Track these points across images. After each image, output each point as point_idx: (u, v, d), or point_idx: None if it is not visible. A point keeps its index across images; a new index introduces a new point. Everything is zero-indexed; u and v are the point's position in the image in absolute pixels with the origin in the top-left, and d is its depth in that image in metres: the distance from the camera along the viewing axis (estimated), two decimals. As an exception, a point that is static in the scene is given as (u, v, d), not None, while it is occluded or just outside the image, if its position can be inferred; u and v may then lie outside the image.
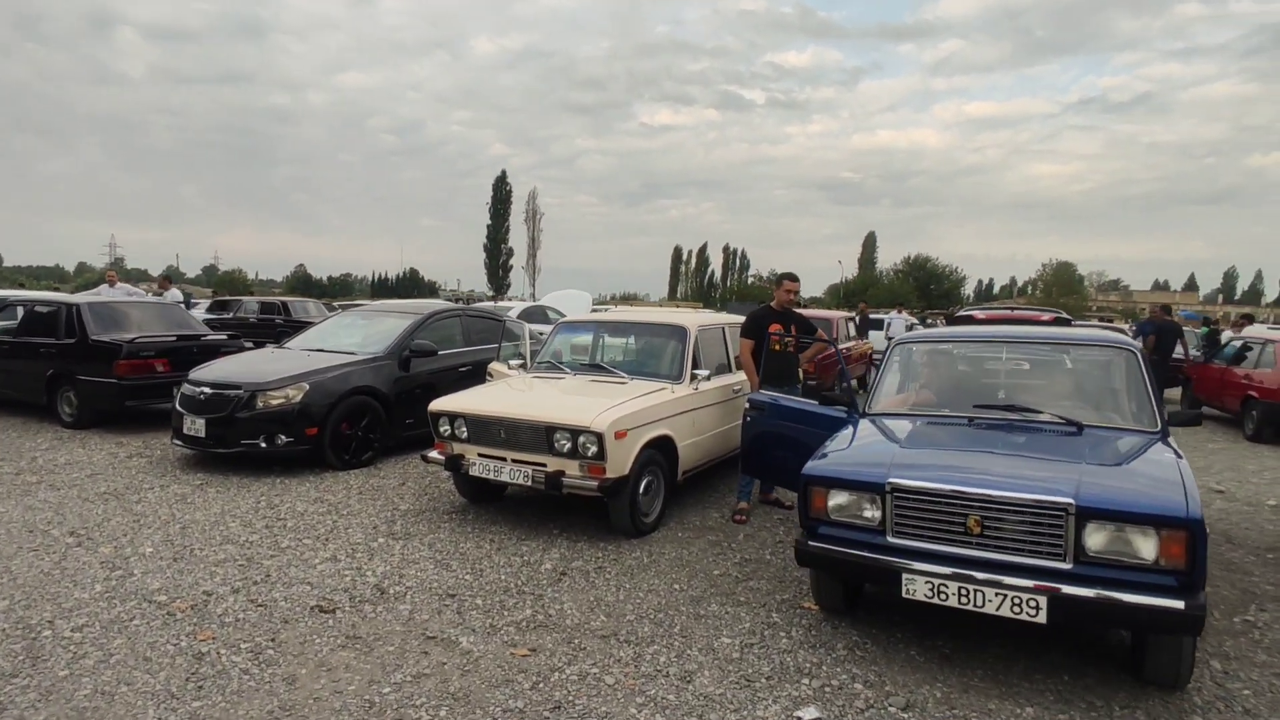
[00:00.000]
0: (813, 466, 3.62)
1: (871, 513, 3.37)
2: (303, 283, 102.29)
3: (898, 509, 3.29)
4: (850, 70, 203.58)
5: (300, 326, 19.35)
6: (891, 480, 3.30)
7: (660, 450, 5.27)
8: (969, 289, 79.37)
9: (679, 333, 5.98)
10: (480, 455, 5.21)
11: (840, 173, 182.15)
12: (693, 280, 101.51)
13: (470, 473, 5.21)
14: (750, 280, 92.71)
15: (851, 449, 3.95)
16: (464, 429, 5.27)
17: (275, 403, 6.41)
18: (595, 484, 4.76)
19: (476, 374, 8.09)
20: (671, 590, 4.24)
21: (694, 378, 5.67)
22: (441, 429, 5.39)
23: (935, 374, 4.82)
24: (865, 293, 54.40)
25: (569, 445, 4.84)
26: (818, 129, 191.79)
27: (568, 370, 6.05)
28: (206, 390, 6.50)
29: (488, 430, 5.16)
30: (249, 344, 9.23)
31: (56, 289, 31.86)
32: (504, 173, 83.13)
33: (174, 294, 12.36)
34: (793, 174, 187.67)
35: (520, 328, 7.92)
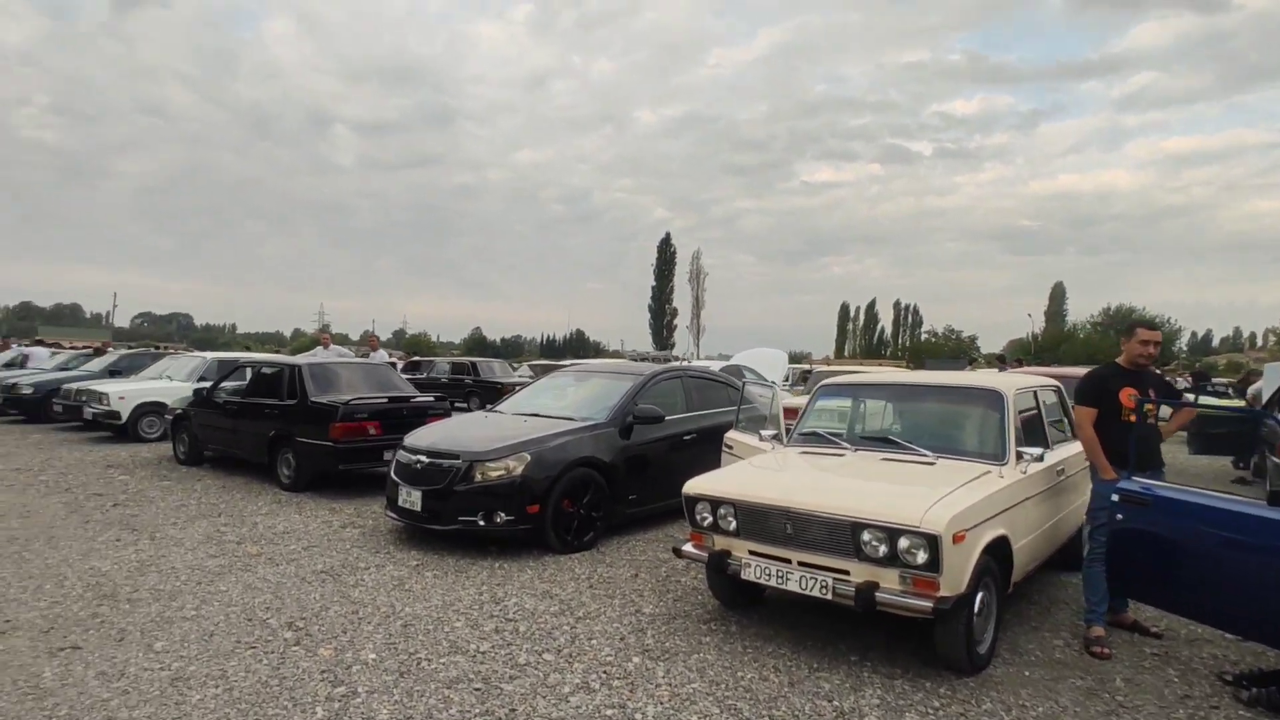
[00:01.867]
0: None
1: None
2: (478, 344, 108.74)
3: None
4: (1025, 114, 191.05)
5: (488, 386, 19.67)
6: None
7: (993, 555, 3.92)
8: (1182, 341, 69.97)
9: (993, 398, 4.64)
10: (754, 554, 4.11)
11: (1017, 221, 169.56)
12: (861, 338, 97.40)
13: (742, 576, 4.10)
14: (924, 336, 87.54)
15: None
16: (732, 519, 4.20)
17: (494, 475, 5.69)
18: (929, 604, 3.49)
19: (704, 443, 7.10)
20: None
21: (1021, 457, 4.29)
22: (701, 517, 4.35)
23: None
24: (1058, 348, 49.11)
25: (884, 549, 3.62)
26: (990, 177, 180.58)
27: (845, 444, 4.85)
28: (423, 459, 5.91)
29: (766, 523, 4.05)
30: (454, 406, 8.84)
31: (277, 351, 35.13)
32: (668, 235, 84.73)
33: (380, 355, 12.52)
34: (964, 225, 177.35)
35: (751, 392, 6.87)
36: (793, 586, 3.88)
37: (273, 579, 5.09)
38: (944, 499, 3.66)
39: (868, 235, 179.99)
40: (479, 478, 5.68)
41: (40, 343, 20.86)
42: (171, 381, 12.49)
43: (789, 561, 3.96)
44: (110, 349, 19.23)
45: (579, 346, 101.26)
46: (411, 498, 5.84)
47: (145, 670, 3.67)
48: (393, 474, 6.16)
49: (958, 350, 71.65)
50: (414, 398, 8.48)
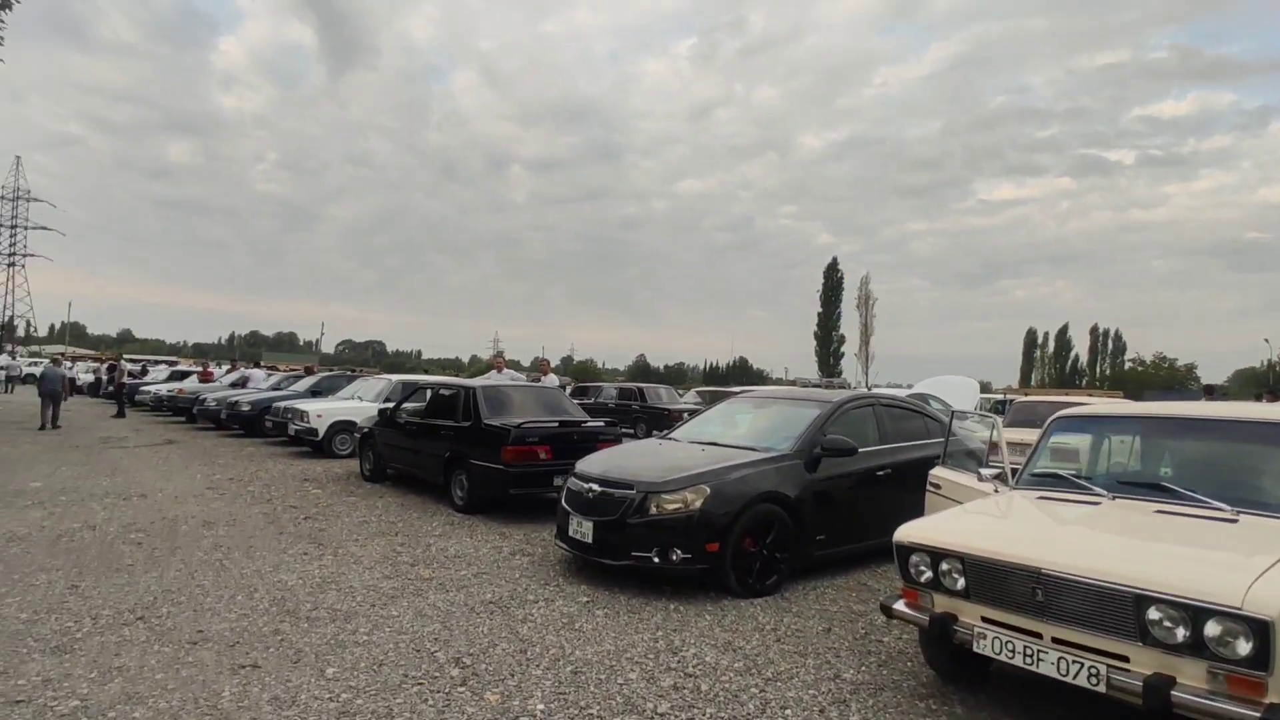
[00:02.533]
0: None
1: None
2: (642, 371, 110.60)
3: None
4: (1252, 112, 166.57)
5: (655, 412, 19.50)
6: None
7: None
8: None
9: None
10: (989, 622, 3.33)
11: (1243, 234, 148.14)
12: (1051, 366, 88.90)
13: (975, 648, 3.34)
14: (1127, 364, 78.51)
15: None
16: (959, 576, 3.46)
17: (671, 508, 5.23)
18: (1255, 715, 2.59)
19: (899, 480, 6.31)
20: None
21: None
22: (917, 571, 3.64)
23: None
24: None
25: (1183, 632, 2.75)
26: (1207, 185, 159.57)
27: (1098, 490, 3.94)
28: (595, 488, 5.57)
29: (1006, 585, 3.27)
30: (622, 431, 8.56)
31: (456, 375, 37.29)
32: (835, 260, 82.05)
33: (552, 379, 12.62)
34: (1174, 240, 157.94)
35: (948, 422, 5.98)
36: (1047, 670, 3.07)
37: (442, 606, 4.91)
38: (1272, 571, 2.74)
39: (1055, 255, 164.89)
40: (654, 510, 5.25)
41: (258, 365, 23.24)
42: (361, 402, 13.27)
43: (1039, 636, 3.16)
44: (315, 371, 21.06)
45: (742, 374, 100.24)
46: (583, 528, 5.51)
47: (315, 699, 3.51)
48: (563, 502, 5.88)
49: (1171, 380, 63.40)
50: (585, 422, 8.28)
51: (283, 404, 13.85)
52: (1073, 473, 4.27)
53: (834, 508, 5.90)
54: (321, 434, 12.37)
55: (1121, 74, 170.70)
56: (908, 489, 6.45)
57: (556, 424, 7.90)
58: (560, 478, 7.64)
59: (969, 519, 3.91)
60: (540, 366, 13.34)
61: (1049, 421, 4.69)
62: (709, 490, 5.25)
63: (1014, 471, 4.57)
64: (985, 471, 4.64)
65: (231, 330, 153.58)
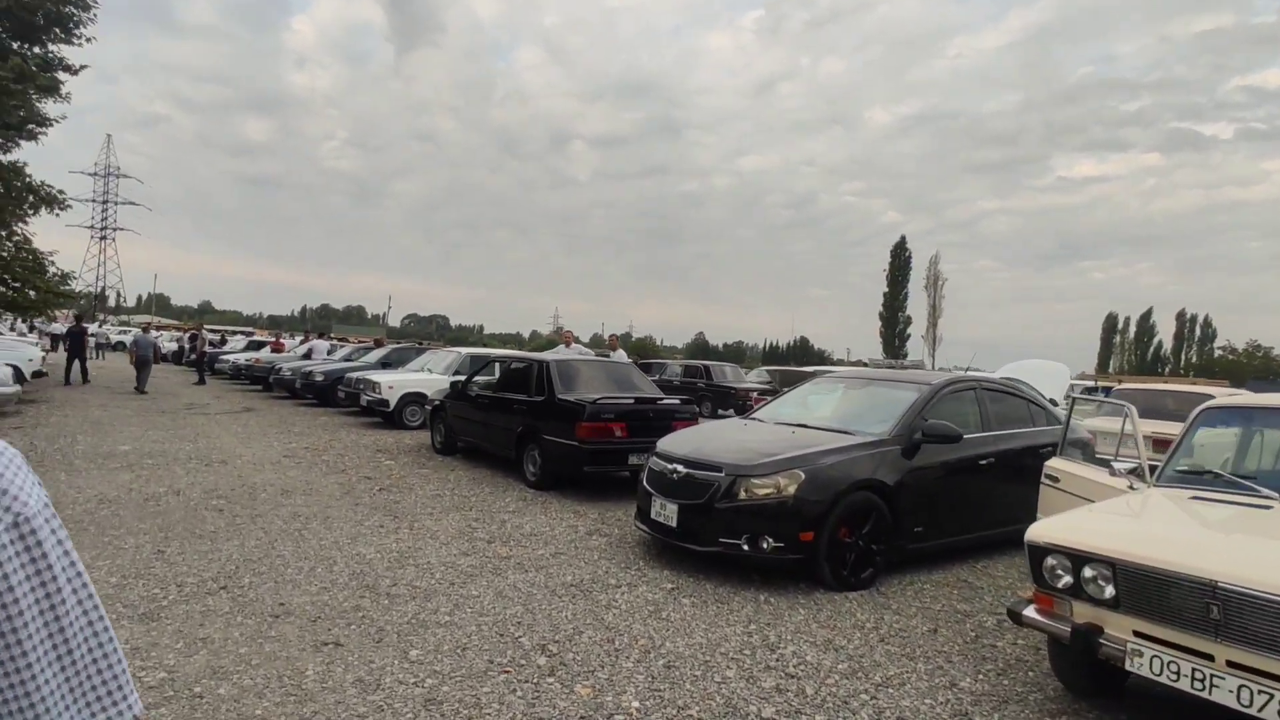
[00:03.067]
0: None
1: None
2: (701, 349, 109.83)
3: None
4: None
5: (720, 390, 19.14)
6: None
7: None
8: None
9: None
10: (1143, 637, 2.94)
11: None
12: (1131, 352, 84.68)
13: (1127, 666, 2.95)
14: (1217, 352, 74.14)
15: None
16: (1107, 584, 3.07)
17: (762, 493, 4.93)
18: None
19: (1002, 469, 5.88)
20: None
21: None
22: (1054, 575, 3.26)
23: None
24: None
25: None
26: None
27: (1268, 491, 3.46)
28: (679, 469, 5.30)
29: (1169, 597, 2.87)
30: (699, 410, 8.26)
31: (517, 350, 37.50)
32: (903, 238, 79.56)
33: (620, 355, 12.39)
34: (1274, 220, 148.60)
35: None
36: (1224, 699, 2.68)
37: (523, 588, 4.73)
38: None
39: (1139, 236, 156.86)
40: (744, 495, 4.95)
41: (321, 336, 23.73)
42: (431, 374, 13.30)
43: (1209, 658, 2.76)
44: (384, 344, 21.38)
45: (802, 354, 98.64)
46: (666, 511, 5.26)
47: (400, 684, 3.35)
48: (645, 482, 5.63)
49: (1265, 369, 59.59)
50: (660, 399, 8.01)
51: (355, 375, 14.01)
52: (1229, 471, 3.80)
53: (933, 498, 5.50)
54: (393, 405, 12.44)
55: (1222, 40, 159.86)
56: (1012, 480, 6.02)
57: (632, 400, 7.66)
58: (635, 456, 7.43)
59: (1114, 520, 3.49)
60: (609, 342, 13.13)
61: (1196, 412, 4.19)
62: (803, 475, 4.92)
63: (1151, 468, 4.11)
64: (1118, 465, 4.18)
65: (304, 303, 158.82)
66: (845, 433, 5.56)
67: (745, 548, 4.90)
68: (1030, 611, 3.39)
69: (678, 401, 8.10)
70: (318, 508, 6.61)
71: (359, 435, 11.63)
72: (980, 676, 3.76)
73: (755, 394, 16.19)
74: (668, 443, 5.82)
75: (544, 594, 4.64)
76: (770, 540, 4.85)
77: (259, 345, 27.13)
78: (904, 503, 5.26)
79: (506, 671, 3.53)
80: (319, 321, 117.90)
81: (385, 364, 16.08)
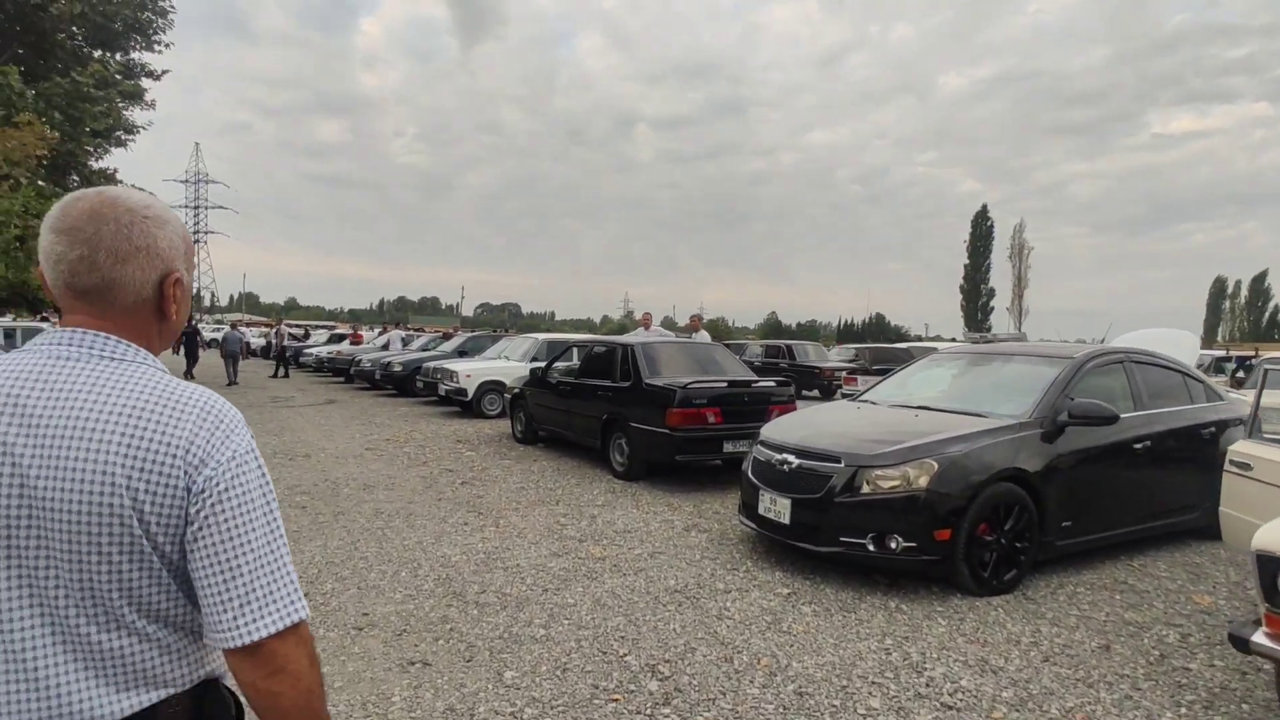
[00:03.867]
0: None
1: None
2: (774, 329, 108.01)
3: None
4: None
5: (804, 370, 18.33)
6: None
7: None
8: None
9: None
10: None
11: None
12: (1243, 317, 78.85)
13: None
14: (1341, 318, 68.33)
15: None
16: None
17: (889, 485, 4.33)
18: None
19: (1158, 453, 5.12)
20: None
21: None
22: (1302, 594, 2.58)
23: None
24: None
25: None
26: None
27: None
28: (791, 460, 4.74)
29: None
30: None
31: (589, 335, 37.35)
32: (984, 207, 76.15)
33: (703, 336, 11.82)
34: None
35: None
36: None
37: (623, 595, 4.28)
38: None
39: (1246, 194, 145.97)
40: (867, 489, 4.36)
41: (397, 327, 23.98)
42: (508, 361, 13.05)
43: None
44: (457, 332, 21.41)
45: (879, 330, 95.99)
46: (777, 507, 4.71)
47: (496, 714, 2.94)
48: (750, 474, 5.10)
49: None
50: (755, 382, 7.43)
51: (432, 364, 13.90)
52: None
53: (1082, 488, 4.79)
54: (471, 394, 12.24)
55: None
56: (1171, 466, 5.28)
57: (725, 384, 7.11)
58: (731, 443, 6.90)
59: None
60: (691, 323, 12.57)
61: None
62: (936, 466, 4.29)
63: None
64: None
65: (381, 296, 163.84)
66: (975, 415, 4.88)
67: (871, 548, 4.32)
68: (1261, 637, 2.72)
69: (773, 383, 7.51)
70: (400, 503, 6.33)
71: (438, 425, 11.47)
72: (1183, 711, 3.10)
73: (845, 373, 15.39)
74: (774, 430, 5.27)
75: (646, 602, 4.17)
76: (900, 539, 4.25)
77: (340, 338, 27.71)
78: (1050, 494, 4.57)
79: (615, 699, 3.07)
80: (396, 313, 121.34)
81: (462, 353, 15.98)
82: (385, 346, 20.21)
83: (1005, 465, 4.42)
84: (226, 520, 0.98)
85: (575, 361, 9.05)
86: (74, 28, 18.48)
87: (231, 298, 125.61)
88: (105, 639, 0.98)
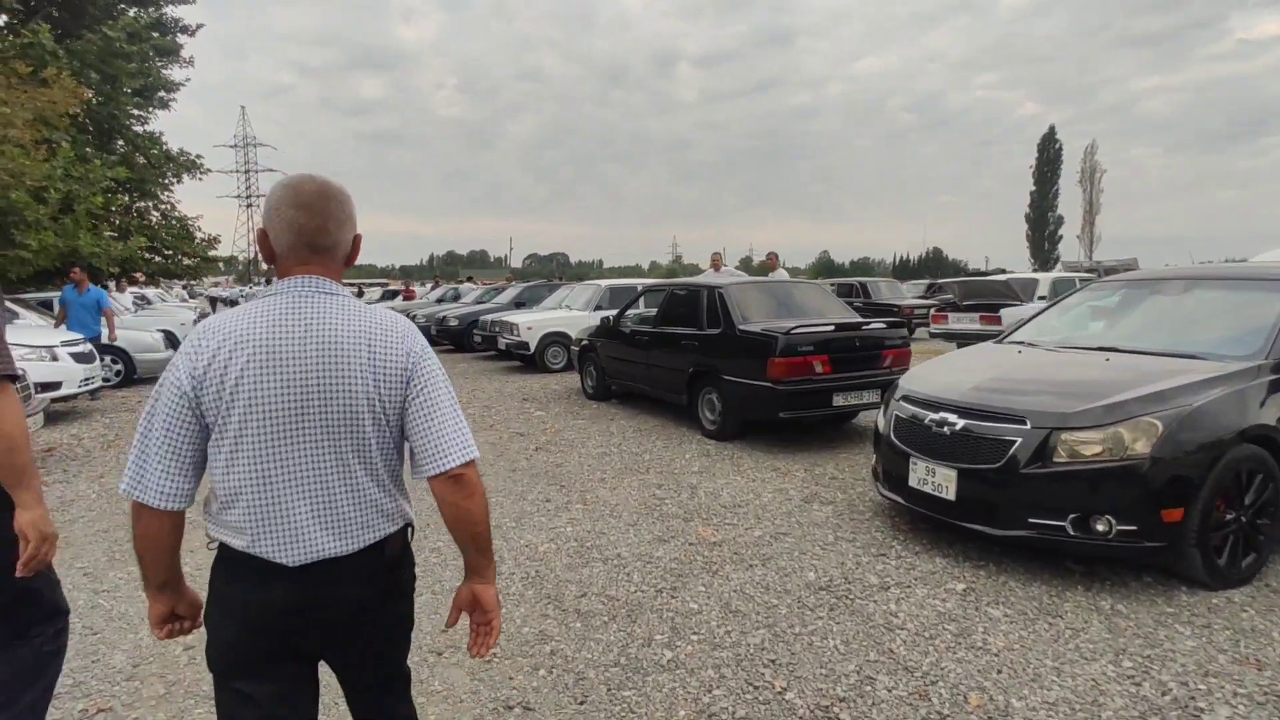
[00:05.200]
0: None
1: None
2: (825, 268, 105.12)
3: None
4: None
5: (880, 309, 17.04)
6: None
7: None
8: None
9: None
10: None
11: None
12: (1340, 236, 73.11)
13: None
14: None
15: None
16: None
17: (1092, 452, 3.36)
18: None
19: None
20: None
21: None
22: None
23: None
24: None
25: None
26: None
27: None
28: (952, 420, 3.78)
29: None
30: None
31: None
32: (1051, 129, 71.75)
33: (781, 274, 10.77)
34: None
35: None
36: None
37: (755, 596, 3.45)
38: None
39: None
40: (1063, 456, 3.40)
41: (446, 280, 23.33)
42: (571, 311, 12.23)
43: None
44: (512, 284, 20.66)
45: (936, 265, 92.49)
46: (936, 479, 3.78)
47: (632, 792, 2.15)
48: (893, 436, 4.16)
49: None
50: (865, 324, 6.42)
51: (490, 317, 13.18)
52: None
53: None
54: (534, 347, 11.49)
55: None
56: None
57: (832, 327, 6.13)
58: (842, 395, 5.97)
59: None
60: (768, 261, 11.46)
61: None
62: (1160, 426, 3.29)
63: None
64: None
65: (430, 252, 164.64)
66: (1186, 357, 3.84)
67: (1071, 532, 3.38)
68: None
69: (884, 325, 6.49)
70: (471, 476, 5.61)
71: (501, 383, 10.77)
72: None
73: (933, 310, 14.14)
74: (919, 382, 4.30)
75: (788, 606, 3.33)
76: (1112, 521, 3.30)
77: (393, 295, 27.31)
78: (1297, 455, 3.54)
79: (789, 766, 2.25)
80: (445, 268, 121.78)
81: (519, 304, 15.23)
82: (450, 299, 19.51)
83: (1250, 423, 3.39)
84: (428, 391, 1.44)
85: (653, 308, 8.14)
86: (105, -17, 17.86)
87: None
88: (366, 482, 1.43)
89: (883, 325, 6.47)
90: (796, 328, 5.94)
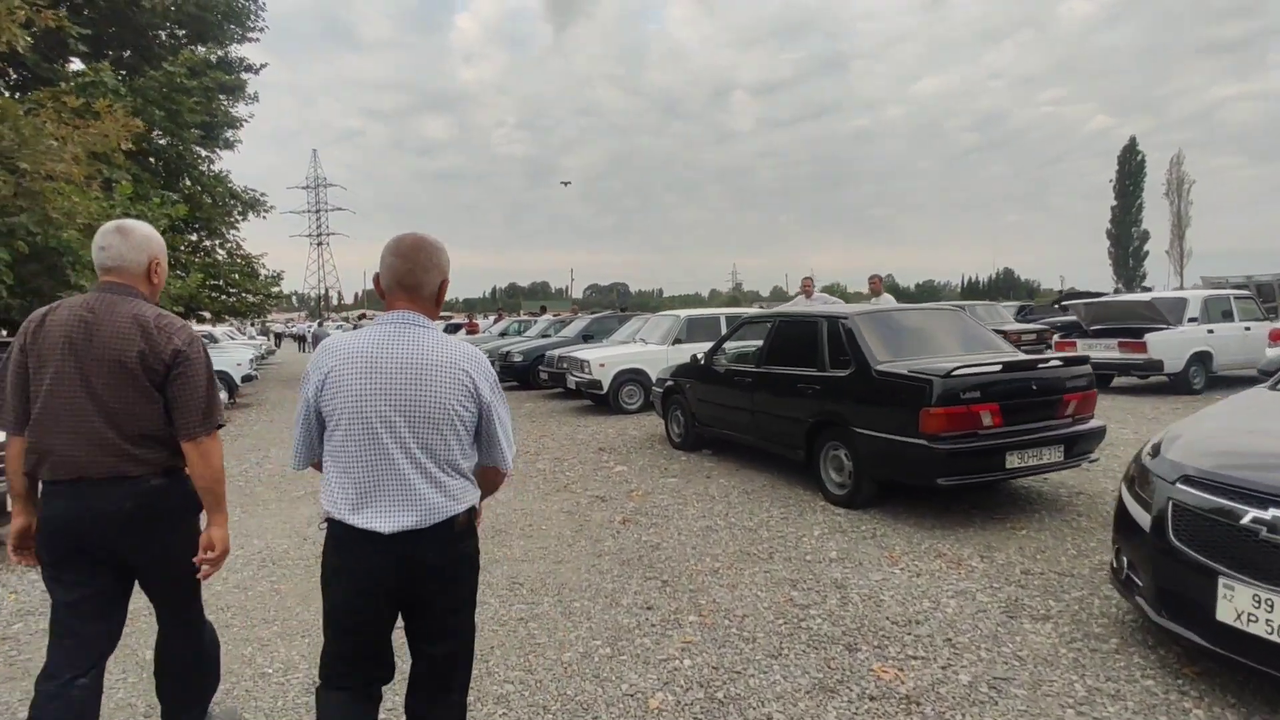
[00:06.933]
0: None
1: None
2: (892, 291, 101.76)
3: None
4: None
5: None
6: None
7: None
8: None
9: None
10: None
11: None
12: None
13: None
14: None
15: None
16: None
17: None
18: None
19: None
20: None
21: None
22: None
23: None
24: None
25: None
26: None
27: None
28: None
29: None
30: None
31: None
32: (1133, 140, 68.43)
33: (888, 299, 9.41)
34: None
35: None
36: None
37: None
38: None
39: None
40: None
41: (509, 313, 22.58)
42: (645, 345, 11.07)
43: None
44: (577, 315, 19.69)
45: (1008, 286, 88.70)
46: (1277, 616, 2.40)
47: None
48: (1177, 539, 2.77)
49: None
50: (1040, 362, 5.03)
51: (557, 352, 12.13)
52: None
53: None
54: (607, 386, 10.35)
55: None
56: None
57: (999, 366, 4.76)
58: (1017, 454, 4.60)
59: None
60: (871, 286, 10.07)
61: None
62: None
63: None
64: None
65: (493, 284, 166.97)
66: None
67: None
68: None
69: (1060, 361, 5.09)
70: (545, 567, 4.42)
71: (573, 427, 9.62)
72: None
73: (1056, 338, 12.47)
74: (1205, 455, 2.90)
75: None
76: None
77: (456, 328, 26.75)
78: None
79: None
80: (507, 300, 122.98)
81: (586, 336, 14.17)
82: (515, 332, 18.66)
83: None
84: (494, 408, 1.92)
85: (749, 342, 6.90)
86: (172, 24, 17.87)
87: (356, 295, 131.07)
88: (440, 474, 1.84)
89: (1059, 362, 5.06)
90: (957, 369, 4.59)
